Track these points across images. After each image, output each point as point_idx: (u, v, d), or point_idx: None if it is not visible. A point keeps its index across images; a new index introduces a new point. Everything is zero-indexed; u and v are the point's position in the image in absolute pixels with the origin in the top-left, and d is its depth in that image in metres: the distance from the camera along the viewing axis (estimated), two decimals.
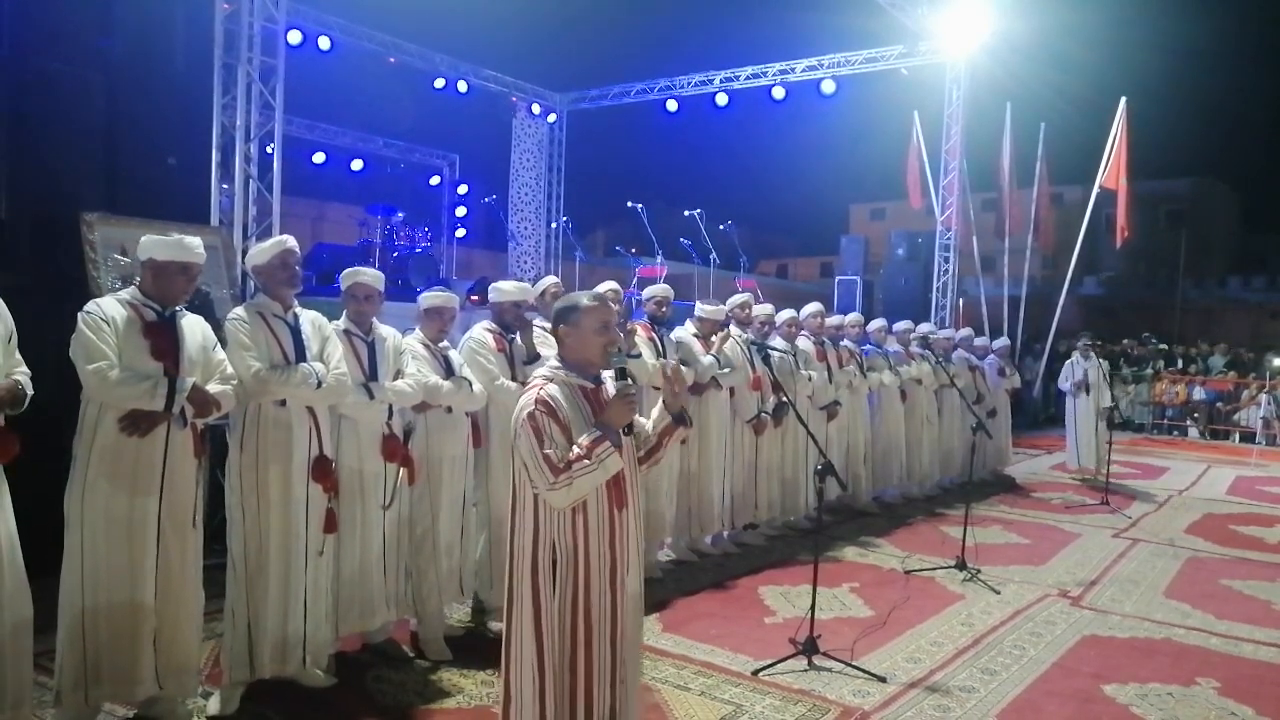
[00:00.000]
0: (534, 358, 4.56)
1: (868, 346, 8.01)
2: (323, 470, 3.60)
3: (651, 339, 5.53)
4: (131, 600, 3.16)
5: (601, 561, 2.68)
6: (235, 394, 3.39)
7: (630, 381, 2.68)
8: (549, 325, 4.97)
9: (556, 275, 12.19)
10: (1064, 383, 10.41)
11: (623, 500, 2.75)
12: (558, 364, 2.75)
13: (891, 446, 8.04)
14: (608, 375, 2.75)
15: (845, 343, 7.59)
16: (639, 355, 5.25)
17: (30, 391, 2.99)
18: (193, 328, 3.38)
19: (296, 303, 3.71)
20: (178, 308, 3.34)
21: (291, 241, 3.71)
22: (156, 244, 3.28)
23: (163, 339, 3.23)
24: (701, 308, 6.08)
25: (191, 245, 3.31)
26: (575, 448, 2.57)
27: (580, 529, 2.64)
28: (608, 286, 5.49)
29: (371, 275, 4.03)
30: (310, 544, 3.59)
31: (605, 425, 2.63)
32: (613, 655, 2.72)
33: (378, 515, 3.96)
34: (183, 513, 3.27)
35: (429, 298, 4.32)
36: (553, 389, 2.64)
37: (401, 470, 4.03)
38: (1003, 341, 10.29)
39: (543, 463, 2.54)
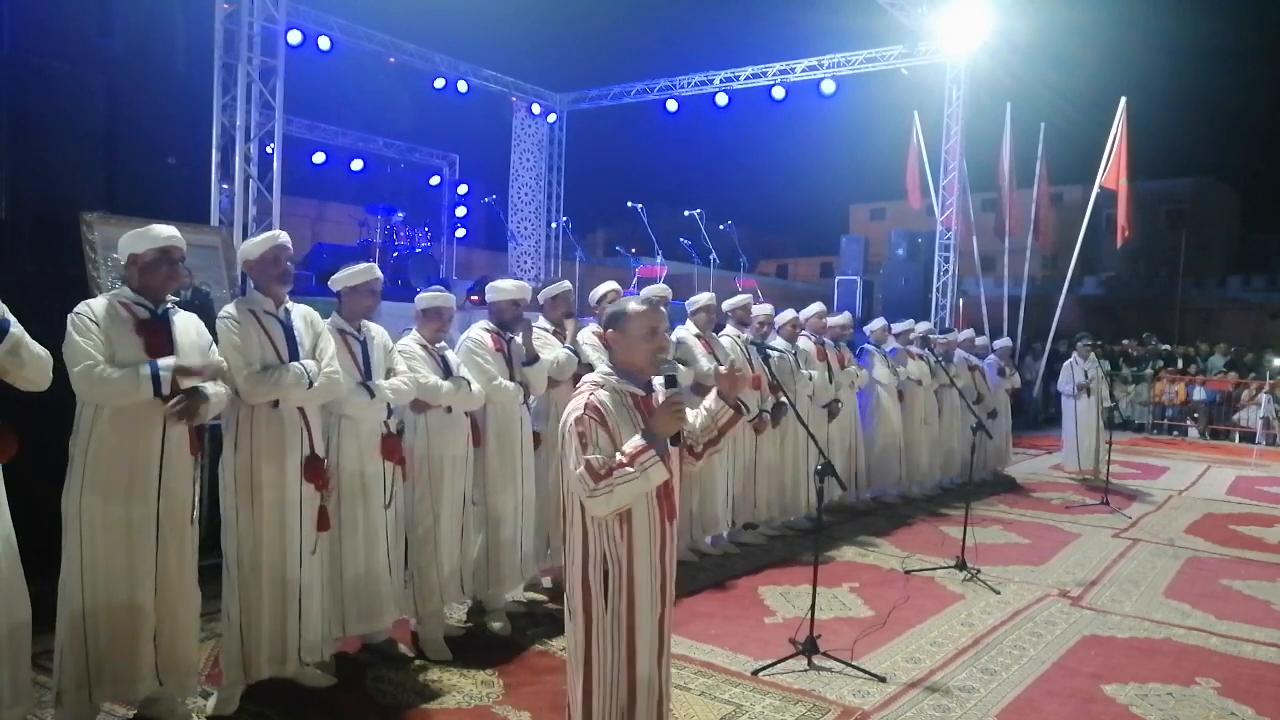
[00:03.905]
0: (533, 359, 4.56)
1: (867, 346, 8.01)
2: (315, 470, 3.59)
3: None
4: (131, 599, 3.16)
5: (652, 574, 2.62)
6: (229, 390, 3.39)
7: (679, 389, 2.62)
8: (550, 326, 5.02)
9: (557, 275, 12.17)
10: (1063, 385, 10.29)
11: (672, 511, 2.68)
12: (608, 369, 2.69)
13: (891, 446, 8.04)
14: (658, 382, 2.67)
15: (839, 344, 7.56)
16: None
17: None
18: (186, 325, 3.36)
19: (289, 299, 3.69)
20: (169, 305, 3.33)
21: (284, 237, 3.67)
22: (132, 238, 3.28)
23: (156, 337, 3.22)
24: (692, 299, 6.13)
25: (162, 231, 3.29)
26: (619, 455, 2.50)
27: (626, 540, 2.58)
28: (607, 286, 5.50)
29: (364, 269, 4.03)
30: (304, 543, 3.58)
31: (651, 434, 2.55)
32: (659, 670, 2.66)
33: (380, 515, 3.95)
34: (180, 511, 3.26)
35: (426, 298, 4.32)
36: (603, 395, 2.59)
37: (397, 469, 4.02)
38: (1003, 342, 10.27)
39: (584, 469, 2.47)
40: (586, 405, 2.55)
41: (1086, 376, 9.99)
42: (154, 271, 3.27)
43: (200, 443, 3.37)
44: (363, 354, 3.93)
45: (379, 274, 4.04)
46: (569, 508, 2.63)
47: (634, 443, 2.52)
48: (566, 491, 2.62)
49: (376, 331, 4.07)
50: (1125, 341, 17.75)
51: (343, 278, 3.99)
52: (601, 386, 2.62)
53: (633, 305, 2.69)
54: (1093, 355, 10.29)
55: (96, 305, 3.20)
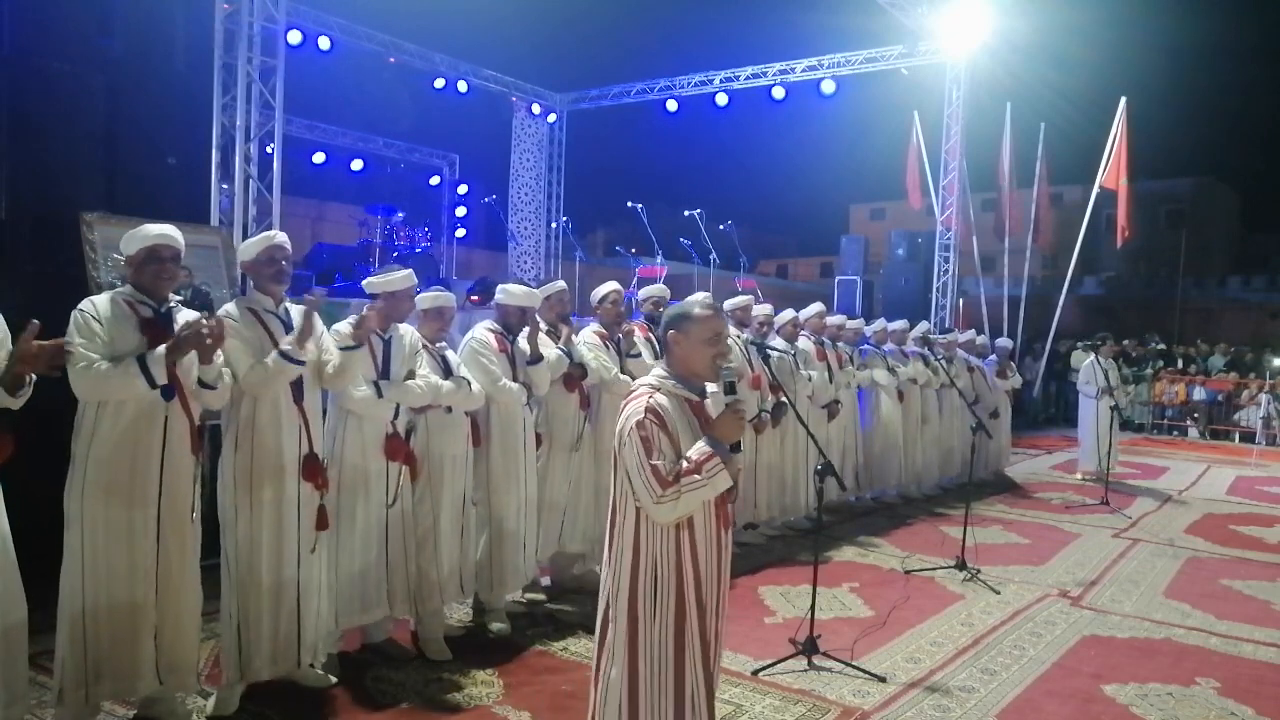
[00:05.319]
0: (536, 359, 4.56)
1: (866, 347, 8.01)
2: (312, 469, 3.59)
3: (649, 339, 5.52)
4: (132, 598, 3.16)
5: (710, 584, 2.58)
6: (231, 386, 3.40)
7: (740, 397, 2.58)
8: (544, 326, 5.00)
9: (557, 275, 12.18)
10: (1085, 385, 10.09)
11: (728, 519, 2.66)
12: (664, 373, 2.62)
13: (891, 446, 8.04)
14: (712, 388, 2.63)
15: (839, 344, 7.56)
16: (639, 355, 5.25)
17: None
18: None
19: (288, 299, 3.69)
20: (171, 304, 3.33)
21: (280, 237, 3.66)
22: (129, 239, 3.28)
23: (160, 336, 3.22)
24: (689, 299, 6.10)
25: (150, 230, 3.28)
26: (684, 461, 2.47)
27: (687, 548, 2.54)
28: (608, 287, 5.49)
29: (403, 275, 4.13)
30: (302, 542, 3.58)
31: (716, 440, 2.51)
32: (707, 684, 2.59)
33: (381, 513, 3.96)
34: (181, 510, 3.26)
35: (426, 297, 4.32)
36: (661, 398, 2.53)
37: (404, 468, 4.03)
38: (1003, 342, 10.24)
39: (650, 475, 2.43)
40: (647, 409, 2.49)
41: (1108, 378, 9.86)
42: (144, 270, 3.26)
43: (200, 442, 3.38)
44: (383, 353, 3.95)
45: (415, 280, 4.11)
46: (621, 510, 2.57)
47: (700, 449, 2.48)
48: (619, 494, 2.56)
49: (405, 331, 4.11)
50: (1125, 341, 17.74)
51: (381, 283, 4.02)
52: (658, 390, 2.55)
53: (698, 309, 2.62)
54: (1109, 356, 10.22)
55: (100, 301, 3.20)
